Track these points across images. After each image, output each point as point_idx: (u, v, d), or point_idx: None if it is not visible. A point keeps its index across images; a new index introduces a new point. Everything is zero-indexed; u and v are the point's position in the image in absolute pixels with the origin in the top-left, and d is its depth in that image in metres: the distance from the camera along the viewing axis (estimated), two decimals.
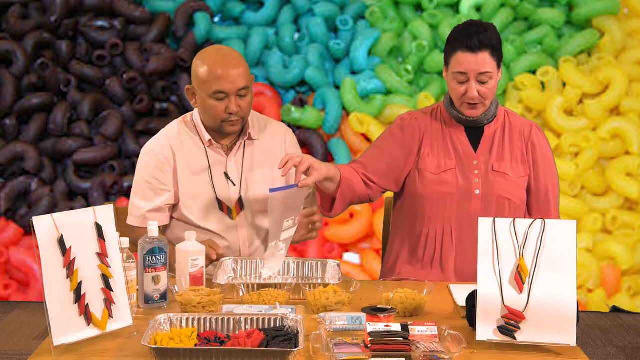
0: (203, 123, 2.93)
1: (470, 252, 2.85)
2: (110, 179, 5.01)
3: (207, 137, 2.92)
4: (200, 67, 2.83)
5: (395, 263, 3.00)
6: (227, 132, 2.89)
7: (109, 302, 2.23)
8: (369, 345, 2.10)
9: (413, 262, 2.93)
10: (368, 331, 2.14)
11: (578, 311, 2.21)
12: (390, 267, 3.03)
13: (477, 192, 2.86)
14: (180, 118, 3.01)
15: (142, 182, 2.92)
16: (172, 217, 2.96)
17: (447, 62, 2.83)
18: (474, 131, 2.90)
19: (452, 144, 2.90)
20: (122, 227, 3.05)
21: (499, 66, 2.82)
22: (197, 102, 2.89)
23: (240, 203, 2.95)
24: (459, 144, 2.89)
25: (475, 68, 2.76)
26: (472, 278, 2.83)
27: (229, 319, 2.21)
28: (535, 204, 2.93)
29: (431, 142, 2.91)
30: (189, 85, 2.89)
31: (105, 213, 2.26)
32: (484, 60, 2.76)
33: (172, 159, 2.91)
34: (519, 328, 2.19)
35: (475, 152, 2.89)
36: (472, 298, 2.30)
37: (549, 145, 2.95)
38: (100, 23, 5.20)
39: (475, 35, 2.75)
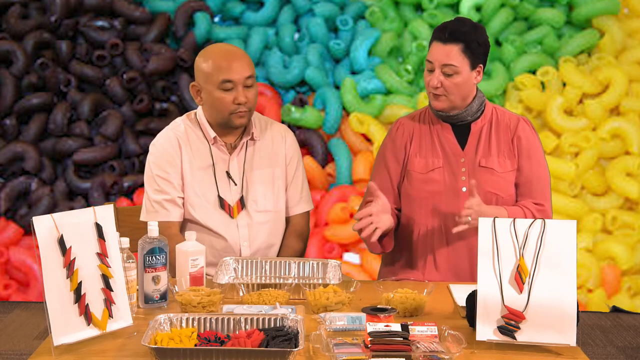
0: (209, 120, 2.93)
1: (462, 249, 2.86)
2: (110, 179, 5.01)
3: (213, 134, 2.93)
4: (204, 62, 2.86)
5: (392, 264, 3.01)
6: (234, 125, 2.89)
7: (109, 302, 2.23)
8: (369, 345, 2.10)
9: (408, 262, 2.94)
10: (368, 331, 2.14)
11: (578, 311, 2.21)
12: (387, 268, 3.03)
13: (464, 189, 2.87)
14: (184, 115, 3.02)
15: (155, 177, 2.92)
16: None
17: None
18: (461, 129, 2.92)
19: (439, 143, 2.91)
20: (122, 227, 3.06)
21: (473, 66, 2.83)
22: (202, 100, 2.90)
23: (241, 202, 2.95)
24: (446, 143, 2.91)
25: (439, 58, 2.81)
26: (466, 275, 2.85)
27: (229, 319, 2.21)
28: (521, 197, 2.91)
29: (419, 143, 2.93)
30: (193, 83, 2.91)
31: (105, 213, 2.26)
32: (450, 52, 2.80)
33: (180, 154, 2.93)
34: (519, 328, 2.19)
35: (463, 149, 2.89)
36: (472, 298, 2.30)
37: (537, 138, 2.95)
38: (100, 23, 5.20)
39: (449, 28, 2.81)
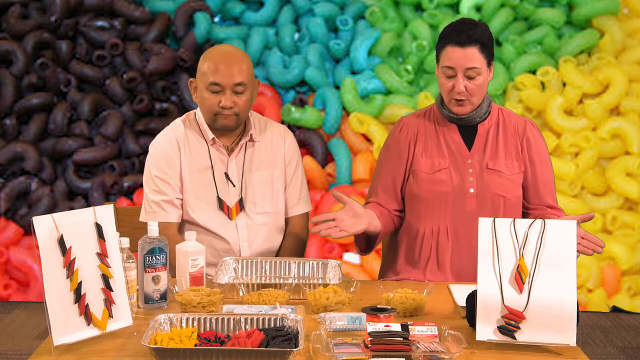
0: (205, 120, 2.94)
1: (466, 251, 2.86)
2: (110, 179, 5.01)
3: (211, 135, 2.93)
4: (203, 61, 2.89)
5: (393, 263, 3.00)
6: (219, 126, 2.90)
7: (109, 302, 2.23)
8: (369, 345, 2.10)
9: (410, 262, 2.94)
10: (368, 331, 2.14)
11: (578, 311, 2.21)
12: (388, 268, 3.03)
13: (472, 190, 2.86)
14: (184, 116, 3.03)
15: (153, 178, 2.93)
16: None
17: (437, 58, 2.86)
18: (468, 130, 2.91)
19: (445, 144, 2.90)
20: (122, 227, 3.06)
21: (488, 64, 2.83)
22: (197, 97, 2.92)
23: (240, 204, 2.95)
24: (453, 143, 2.90)
25: (462, 63, 2.78)
26: (469, 277, 2.85)
27: (229, 319, 2.21)
28: (536, 199, 2.91)
29: (424, 143, 2.92)
30: (192, 79, 2.93)
31: (105, 213, 2.26)
32: (472, 55, 2.78)
33: (179, 155, 2.93)
34: (519, 328, 2.19)
35: (469, 150, 2.89)
36: (472, 298, 2.30)
37: (544, 140, 2.96)
38: (100, 23, 5.20)
39: (465, 31, 2.78)
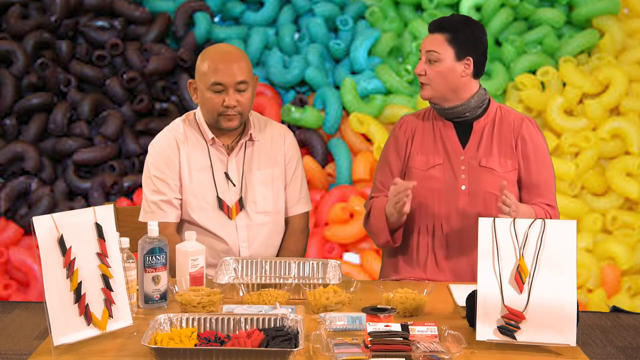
0: (205, 120, 2.94)
1: (461, 248, 2.86)
2: (110, 179, 5.01)
3: (210, 135, 2.93)
4: (202, 61, 2.88)
5: (393, 262, 3.00)
6: (223, 127, 2.90)
7: (109, 302, 2.23)
8: (369, 345, 2.10)
9: (409, 260, 2.94)
10: (368, 331, 2.14)
11: (578, 311, 2.21)
12: (389, 266, 3.03)
13: (464, 187, 2.87)
14: (184, 116, 3.02)
15: (152, 178, 2.93)
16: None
17: None
18: (464, 127, 2.92)
19: (441, 141, 2.92)
20: (122, 227, 3.06)
21: (458, 57, 2.84)
22: (198, 97, 2.91)
23: (240, 203, 2.95)
24: (447, 140, 2.91)
25: (425, 45, 2.88)
26: (465, 274, 2.85)
27: (229, 319, 2.21)
28: (530, 198, 2.91)
29: (421, 140, 2.94)
30: (191, 80, 2.92)
31: (105, 213, 2.26)
32: (435, 40, 2.86)
33: (178, 155, 2.93)
34: (519, 328, 2.19)
35: (464, 148, 2.89)
36: (472, 298, 2.30)
37: (542, 138, 2.94)
38: (100, 23, 5.20)
39: (439, 19, 2.89)
